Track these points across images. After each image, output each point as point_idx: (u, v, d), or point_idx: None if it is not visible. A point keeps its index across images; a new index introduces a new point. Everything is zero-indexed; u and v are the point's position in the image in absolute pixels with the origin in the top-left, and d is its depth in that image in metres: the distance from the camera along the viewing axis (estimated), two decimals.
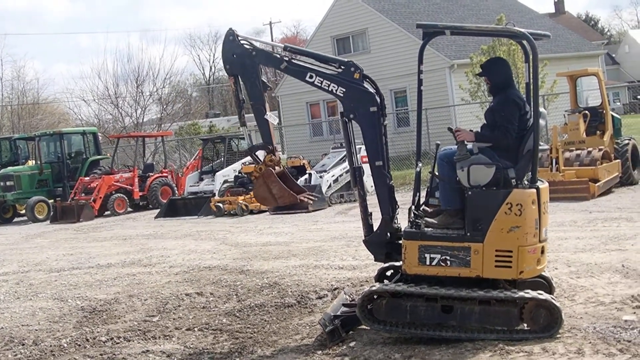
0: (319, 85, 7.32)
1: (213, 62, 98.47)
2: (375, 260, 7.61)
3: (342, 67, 7.32)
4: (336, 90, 7.28)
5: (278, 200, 7.60)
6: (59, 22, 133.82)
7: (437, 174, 7.34)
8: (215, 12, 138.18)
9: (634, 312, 7.21)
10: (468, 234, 6.81)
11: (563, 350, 6.30)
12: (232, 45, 7.52)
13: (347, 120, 7.41)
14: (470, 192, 6.86)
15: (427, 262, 6.88)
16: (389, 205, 7.44)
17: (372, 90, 7.34)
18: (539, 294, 6.79)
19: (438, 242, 6.87)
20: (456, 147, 7.15)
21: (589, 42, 46.90)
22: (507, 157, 7.01)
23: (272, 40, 76.67)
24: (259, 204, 7.97)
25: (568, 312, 7.31)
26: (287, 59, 7.46)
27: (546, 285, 7.48)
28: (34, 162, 28.87)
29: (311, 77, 7.35)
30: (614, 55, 74.33)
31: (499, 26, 7.06)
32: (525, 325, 6.79)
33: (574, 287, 8.39)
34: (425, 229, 6.99)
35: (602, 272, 9.02)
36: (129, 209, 25.68)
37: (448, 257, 6.84)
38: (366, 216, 7.62)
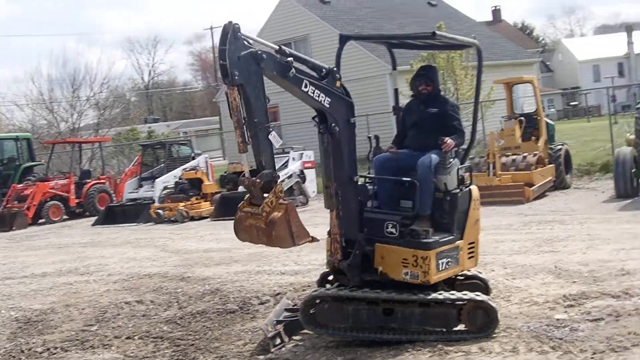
0: (311, 95, 6.57)
1: (152, 66, 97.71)
2: (352, 285, 7.02)
3: (325, 75, 6.73)
4: (323, 101, 6.64)
5: (296, 239, 6.41)
6: None
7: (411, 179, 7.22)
8: (155, 16, 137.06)
9: (566, 311, 7.46)
10: (456, 234, 7.13)
11: (499, 349, 6.49)
12: (238, 44, 6.16)
13: (330, 132, 6.78)
14: (453, 194, 7.15)
15: (441, 268, 6.98)
16: (360, 224, 7.03)
17: (350, 99, 6.92)
18: (476, 295, 7.00)
19: (446, 246, 7.03)
20: (410, 153, 7.42)
21: (524, 50, 47.91)
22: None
23: (212, 45, 76.49)
24: (273, 246, 6.59)
25: (504, 312, 7.52)
26: (294, 65, 6.48)
27: (483, 286, 7.68)
28: None
29: (305, 86, 6.54)
30: (548, 63, 76.12)
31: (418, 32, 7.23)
32: (463, 326, 6.96)
33: (509, 288, 8.61)
34: (434, 237, 6.99)
35: (536, 273, 9.29)
36: (65, 217, 25.14)
37: (450, 259, 7.06)
38: (341, 238, 6.96)
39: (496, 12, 77.53)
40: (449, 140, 7.21)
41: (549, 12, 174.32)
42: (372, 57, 30.72)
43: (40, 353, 7.83)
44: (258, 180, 6.29)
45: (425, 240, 6.91)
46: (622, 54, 67.81)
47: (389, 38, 8.88)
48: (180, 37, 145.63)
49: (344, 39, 7.66)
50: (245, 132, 6.23)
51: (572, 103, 58.99)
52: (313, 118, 6.90)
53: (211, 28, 72.15)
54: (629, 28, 68.73)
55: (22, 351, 7.98)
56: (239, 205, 6.58)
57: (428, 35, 7.25)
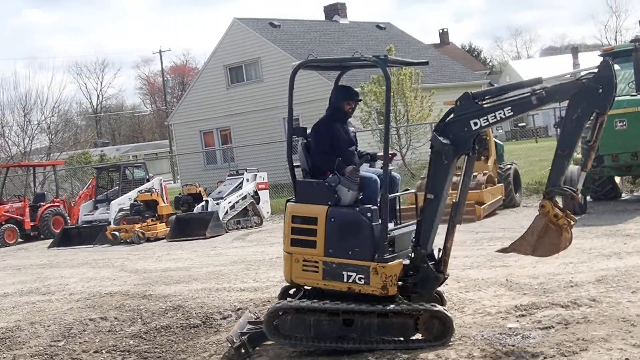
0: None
1: (100, 90, 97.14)
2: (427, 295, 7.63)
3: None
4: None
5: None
6: None
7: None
8: (103, 39, 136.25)
9: (517, 321, 7.80)
10: None
11: (455, 355, 6.83)
12: None
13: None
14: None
15: None
16: None
17: None
18: (433, 305, 7.32)
19: None
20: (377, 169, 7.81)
21: (472, 72, 48.88)
22: None
23: (162, 69, 76.37)
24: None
25: (458, 322, 7.84)
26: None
27: (438, 298, 8.01)
28: None
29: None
30: (495, 84, 77.32)
31: (355, 56, 7.57)
32: (420, 335, 7.27)
33: (463, 300, 8.96)
34: None
35: (489, 286, 9.63)
36: (20, 240, 25.10)
37: None
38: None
39: (443, 34, 78.73)
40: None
41: (495, 34, 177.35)
42: (323, 80, 31.18)
43: None
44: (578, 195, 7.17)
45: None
46: (568, 76, 69.26)
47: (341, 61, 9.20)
48: (128, 61, 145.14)
49: (301, 67, 7.86)
50: None
51: (520, 124, 60.05)
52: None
53: (160, 52, 72.10)
54: (574, 50, 70.38)
55: None
56: (553, 221, 7.17)
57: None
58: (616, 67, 17.52)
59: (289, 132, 7.98)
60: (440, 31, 78.99)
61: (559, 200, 7.43)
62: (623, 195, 18.53)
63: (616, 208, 16.43)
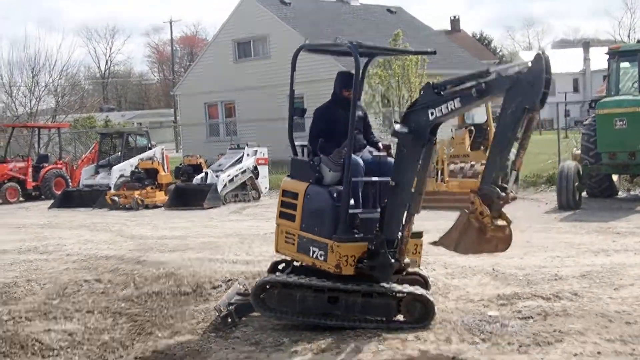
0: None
1: (109, 55, 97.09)
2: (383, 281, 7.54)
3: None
4: None
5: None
6: None
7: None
8: (116, 6, 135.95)
9: (498, 309, 7.99)
10: None
11: (433, 338, 7.04)
12: None
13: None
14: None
15: None
16: None
17: None
18: (416, 289, 7.54)
19: None
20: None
21: (480, 61, 48.81)
22: None
23: (171, 38, 76.34)
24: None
25: (441, 307, 8.03)
26: None
27: (423, 282, 8.20)
28: None
29: None
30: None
31: (335, 42, 7.74)
32: (402, 316, 7.49)
33: (448, 286, 9.15)
34: None
35: (475, 274, 9.81)
36: (21, 199, 25.41)
37: None
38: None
39: (455, 21, 78.34)
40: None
41: (507, 24, 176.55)
42: (330, 60, 31.22)
43: (6, 321, 8.26)
44: (511, 194, 6.57)
45: (418, 231, 7.71)
46: (578, 70, 69.00)
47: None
48: (139, 28, 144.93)
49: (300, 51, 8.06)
50: None
51: None
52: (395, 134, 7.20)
53: (170, 21, 72.10)
54: (586, 44, 70.13)
55: None
56: (474, 218, 6.56)
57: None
58: (623, 65, 17.79)
59: (290, 113, 8.18)
60: (452, 18, 78.63)
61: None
62: (620, 193, 18.67)
63: (611, 205, 16.60)
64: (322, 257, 7.45)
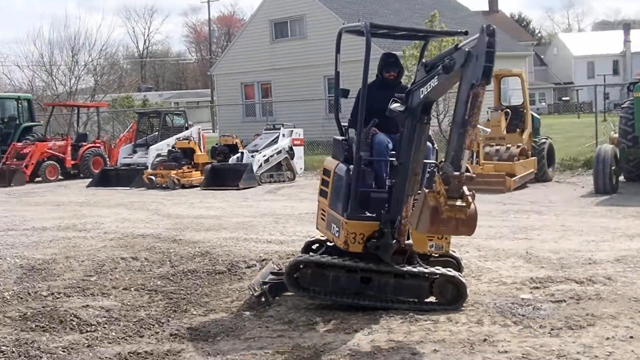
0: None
1: (148, 35, 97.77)
2: (386, 262, 7.49)
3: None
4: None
5: None
6: None
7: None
8: None
9: (531, 292, 8.01)
10: None
11: (465, 320, 7.07)
12: None
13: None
14: None
15: None
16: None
17: None
18: (448, 270, 7.57)
19: None
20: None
21: (517, 42, 48.39)
22: None
23: (209, 18, 76.52)
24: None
25: (473, 289, 8.08)
26: None
27: (455, 264, 8.23)
28: None
29: None
30: (542, 56, 76.43)
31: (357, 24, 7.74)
32: (434, 298, 7.54)
33: (480, 269, 9.19)
34: None
35: (508, 257, 9.83)
36: (60, 177, 25.79)
37: None
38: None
39: (493, 2, 77.65)
40: None
41: (547, 5, 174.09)
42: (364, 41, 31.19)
43: (45, 297, 8.43)
44: (467, 174, 6.20)
45: None
46: (618, 52, 68.13)
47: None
48: (177, 8, 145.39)
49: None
50: None
51: (563, 98, 59.43)
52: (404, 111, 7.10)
53: (208, 1, 72.16)
54: (627, 26, 69.17)
55: (29, 294, 8.58)
56: (432, 197, 6.25)
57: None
58: None
59: (336, 94, 8.25)
60: None
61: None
62: None
63: None
64: (337, 234, 7.60)
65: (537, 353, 6.10)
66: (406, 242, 7.41)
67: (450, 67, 6.40)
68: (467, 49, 6.27)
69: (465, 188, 6.24)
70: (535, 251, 10.17)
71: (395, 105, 7.18)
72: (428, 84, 6.76)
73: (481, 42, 6.05)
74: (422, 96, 6.84)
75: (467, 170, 6.21)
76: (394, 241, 7.31)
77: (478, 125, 6.30)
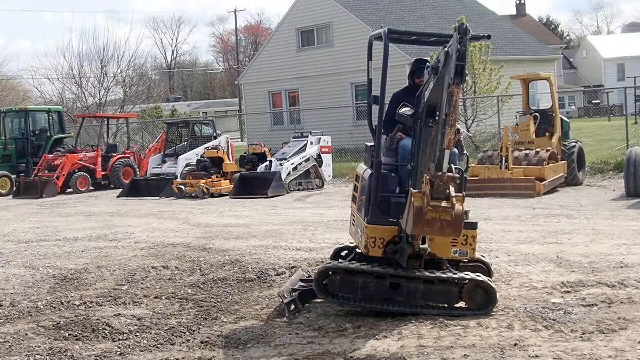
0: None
1: (175, 46, 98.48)
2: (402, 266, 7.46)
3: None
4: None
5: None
6: None
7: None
8: None
9: (562, 296, 7.96)
10: None
11: (495, 325, 7.05)
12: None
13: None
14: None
15: None
16: None
17: None
18: (477, 275, 7.55)
19: None
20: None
21: (546, 46, 48.06)
22: None
23: (236, 28, 76.95)
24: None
25: (503, 294, 8.06)
26: None
27: (485, 269, 8.22)
28: None
29: None
30: (571, 59, 75.81)
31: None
32: (464, 303, 7.53)
33: (511, 273, 9.14)
34: None
35: (538, 262, 9.77)
36: (91, 188, 26.03)
37: None
38: None
39: (520, 6, 77.14)
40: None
41: (575, 7, 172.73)
42: (393, 47, 31.15)
43: (77, 306, 8.53)
44: (449, 174, 6.20)
45: (472, 221, 7.51)
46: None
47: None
48: (204, 19, 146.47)
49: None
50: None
51: (594, 101, 58.89)
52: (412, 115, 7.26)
53: (235, 11, 72.70)
54: None
55: (62, 303, 8.70)
56: (417, 197, 6.23)
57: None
58: None
59: (368, 101, 8.29)
60: (517, 2, 77.43)
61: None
62: None
63: None
64: (361, 238, 7.65)
65: (568, 357, 6.07)
66: (421, 246, 7.37)
67: (437, 68, 6.55)
68: (446, 49, 6.36)
69: (452, 189, 6.24)
70: (565, 255, 10.11)
71: (403, 110, 7.25)
72: (428, 87, 6.92)
73: (454, 41, 6.16)
74: (424, 99, 6.98)
75: (450, 170, 6.23)
76: (408, 245, 7.30)
77: (462, 130, 6.40)
